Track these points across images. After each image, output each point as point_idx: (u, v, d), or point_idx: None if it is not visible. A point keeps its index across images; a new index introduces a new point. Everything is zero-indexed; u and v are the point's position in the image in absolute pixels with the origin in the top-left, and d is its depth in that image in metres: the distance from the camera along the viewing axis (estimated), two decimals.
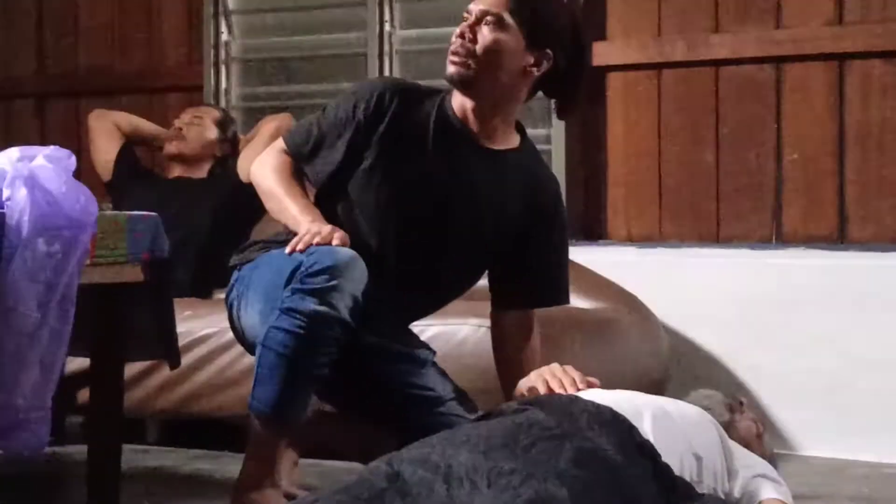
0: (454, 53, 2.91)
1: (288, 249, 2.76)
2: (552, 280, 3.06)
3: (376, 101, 2.94)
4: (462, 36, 2.91)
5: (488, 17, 2.90)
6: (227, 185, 4.44)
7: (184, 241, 4.13)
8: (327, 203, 2.95)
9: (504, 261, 3.02)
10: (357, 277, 2.72)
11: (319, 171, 2.98)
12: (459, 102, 2.96)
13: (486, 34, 2.90)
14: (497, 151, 2.97)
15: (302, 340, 2.68)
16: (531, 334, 3.04)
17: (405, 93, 2.97)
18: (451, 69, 2.92)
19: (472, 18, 2.92)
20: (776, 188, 4.27)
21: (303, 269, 2.69)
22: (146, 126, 4.73)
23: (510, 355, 3.03)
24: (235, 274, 2.98)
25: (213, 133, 4.59)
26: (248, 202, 4.30)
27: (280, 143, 3.05)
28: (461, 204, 2.94)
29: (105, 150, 4.62)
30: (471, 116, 2.95)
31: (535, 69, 2.93)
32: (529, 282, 3.03)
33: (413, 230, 2.93)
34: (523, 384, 2.80)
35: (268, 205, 2.99)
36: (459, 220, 2.95)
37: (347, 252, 2.72)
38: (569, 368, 2.78)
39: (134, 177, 4.58)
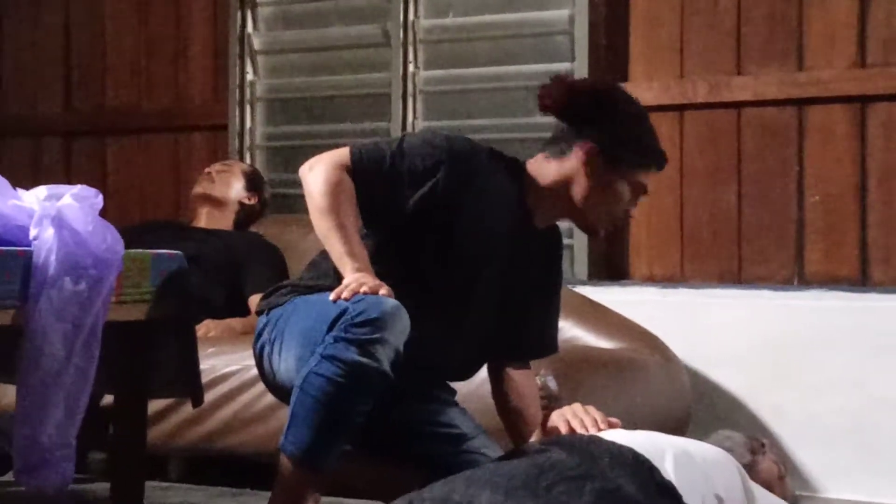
0: (616, 226, 3.02)
1: (332, 297, 2.68)
2: (552, 333, 3.07)
3: (461, 167, 2.86)
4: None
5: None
6: (249, 244, 4.46)
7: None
8: (371, 239, 2.87)
9: (511, 321, 3.01)
10: (401, 330, 2.68)
11: (378, 212, 2.87)
12: (545, 199, 2.95)
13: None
14: (543, 231, 2.99)
15: (341, 389, 2.65)
16: (530, 383, 3.03)
17: (487, 163, 2.91)
18: (600, 232, 3.00)
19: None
20: (798, 230, 4.27)
21: (347, 316, 2.65)
22: None
23: (513, 406, 3.01)
24: (264, 318, 2.93)
25: (240, 181, 4.63)
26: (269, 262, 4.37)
27: (345, 156, 2.85)
28: (515, 288, 2.95)
29: None
30: (545, 213, 2.96)
31: None
32: (532, 337, 3.03)
33: (460, 300, 2.89)
34: (543, 424, 2.81)
35: (313, 220, 2.81)
36: (505, 303, 2.95)
37: (393, 303, 2.67)
38: (590, 409, 2.79)
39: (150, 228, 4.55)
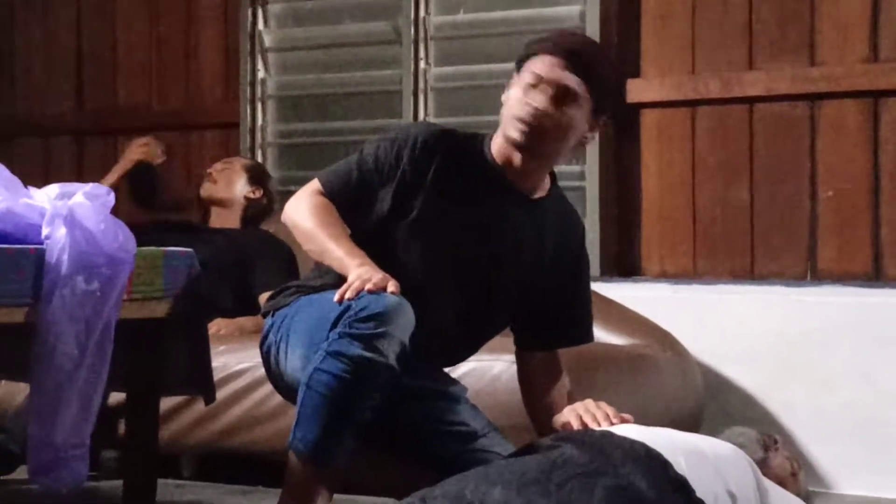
0: (525, 122, 2.87)
1: (337, 297, 2.70)
2: (578, 320, 3.06)
3: (420, 149, 2.90)
4: (538, 110, 2.87)
5: (568, 97, 2.87)
6: (258, 242, 4.46)
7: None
8: (362, 243, 2.90)
9: (532, 304, 3.02)
10: (405, 324, 2.70)
11: (361, 219, 2.92)
12: (503, 152, 2.93)
13: (564, 113, 2.87)
14: (535, 200, 2.98)
15: (347, 385, 2.66)
16: (559, 374, 3.02)
17: (447, 140, 2.95)
18: (516, 136, 2.88)
19: (551, 92, 2.87)
20: (811, 225, 4.26)
21: (351, 313, 2.67)
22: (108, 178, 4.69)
23: (538, 396, 3.01)
24: (269, 320, 2.95)
25: (242, 177, 4.62)
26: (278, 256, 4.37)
27: (315, 185, 2.96)
28: (507, 255, 2.94)
29: None
30: (517, 167, 2.93)
31: (590, 136, 2.96)
32: (557, 323, 3.03)
33: (459, 279, 2.92)
34: (557, 420, 2.81)
35: (307, 246, 2.92)
36: (505, 272, 2.95)
37: (396, 298, 2.70)
38: (602, 404, 2.79)
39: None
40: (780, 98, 4.29)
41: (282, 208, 3.02)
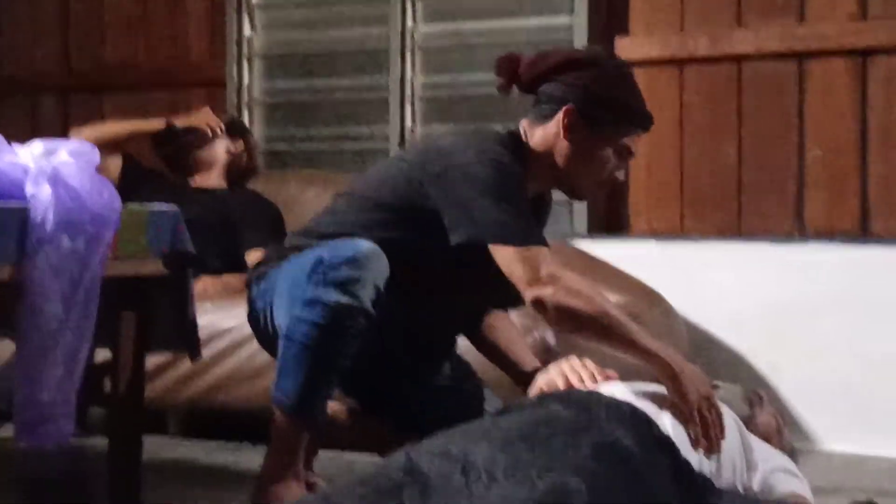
0: (604, 191, 2.98)
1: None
2: None
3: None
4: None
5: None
6: (245, 201, 4.45)
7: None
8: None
9: None
10: (379, 269, 2.71)
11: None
12: (541, 181, 2.91)
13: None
14: (533, 198, 2.95)
15: (326, 332, 2.68)
16: (508, 323, 3.07)
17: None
18: (588, 198, 3.04)
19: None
20: (798, 183, 4.26)
21: (325, 261, 2.69)
22: (137, 126, 4.54)
23: (502, 349, 3.03)
24: (254, 289, 2.94)
25: (220, 136, 4.57)
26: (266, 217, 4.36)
27: (544, 254, 2.69)
28: None
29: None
30: (527, 171, 2.86)
31: None
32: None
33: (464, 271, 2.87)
34: (541, 379, 2.81)
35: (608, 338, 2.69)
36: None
37: (368, 244, 2.71)
38: (587, 362, 2.79)
39: (143, 183, 4.50)
40: (769, 56, 4.29)
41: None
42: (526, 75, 2.86)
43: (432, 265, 2.82)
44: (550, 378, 2.79)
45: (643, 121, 2.88)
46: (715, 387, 2.75)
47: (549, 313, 2.65)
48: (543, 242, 2.71)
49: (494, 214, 2.69)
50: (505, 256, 2.68)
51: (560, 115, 2.82)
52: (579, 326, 2.66)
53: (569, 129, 2.82)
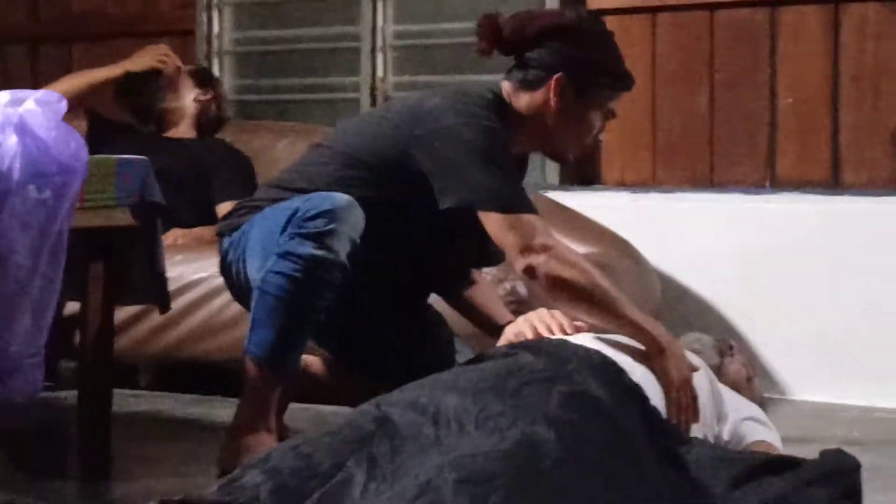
0: (584, 151, 3.00)
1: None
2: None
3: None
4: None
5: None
6: (216, 152, 4.41)
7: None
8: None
9: None
10: (354, 222, 2.71)
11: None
12: (526, 142, 2.92)
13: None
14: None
15: (300, 284, 2.68)
16: (483, 280, 3.08)
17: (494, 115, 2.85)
18: (570, 158, 2.98)
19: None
20: (770, 133, 4.26)
21: (300, 213, 2.68)
22: (92, 77, 4.43)
23: (479, 306, 3.03)
24: (226, 241, 2.92)
25: (188, 82, 4.51)
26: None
27: (533, 220, 2.70)
28: None
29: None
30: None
31: None
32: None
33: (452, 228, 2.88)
34: (510, 330, 2.81)
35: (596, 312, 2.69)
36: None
37: (344, 197, 2.70)
38: (556, 313, 2.79)
39: (112, 137, 4.44)
40: (741, 4, 4.27)
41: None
42: (510, 40, 2.86)
43: (411, 225, 2.82)
44: (519, 329, 2.79)
45: (628, 81, 2.92)
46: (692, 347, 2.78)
47: (540, 282, 2.65)
48: (533, 209, 2.72)
49: (485, 180, 2.69)
50: (496, 222, 2.68)
51: (551, 83, 2.83)
52: (570, 297, 2.66)
53: (560, 97, 2.84)
